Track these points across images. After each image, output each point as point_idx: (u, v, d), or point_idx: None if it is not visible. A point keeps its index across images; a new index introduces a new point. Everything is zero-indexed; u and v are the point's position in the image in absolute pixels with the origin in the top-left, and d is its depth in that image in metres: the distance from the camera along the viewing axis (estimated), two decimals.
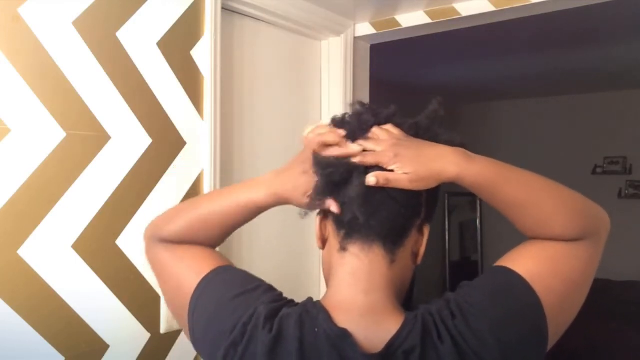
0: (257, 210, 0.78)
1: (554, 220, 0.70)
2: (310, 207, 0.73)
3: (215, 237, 0.81)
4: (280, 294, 0.72)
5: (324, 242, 0.74)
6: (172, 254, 0.79)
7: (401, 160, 0.66)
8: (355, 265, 0.69)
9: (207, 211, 0.79)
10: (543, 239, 0.71)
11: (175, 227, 0.80)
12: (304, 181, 0.72)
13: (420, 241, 0.72)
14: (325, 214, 0.73)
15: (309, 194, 0.71)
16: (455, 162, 0.68)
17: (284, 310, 0.66)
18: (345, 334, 0.63)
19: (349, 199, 0.68)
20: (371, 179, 0.66)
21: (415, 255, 0.73)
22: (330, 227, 0.73)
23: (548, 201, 0.72)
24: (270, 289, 0.72)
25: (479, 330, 0.62)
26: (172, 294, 0.79)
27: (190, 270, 0.76)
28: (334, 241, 0.72)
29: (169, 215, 0.84)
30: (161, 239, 0.81)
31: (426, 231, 0.72)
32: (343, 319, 0.65)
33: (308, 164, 0.72)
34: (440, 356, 0.61)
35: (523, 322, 0.64)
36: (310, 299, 0.69)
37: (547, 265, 0.68)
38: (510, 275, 0.67)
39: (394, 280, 0.70)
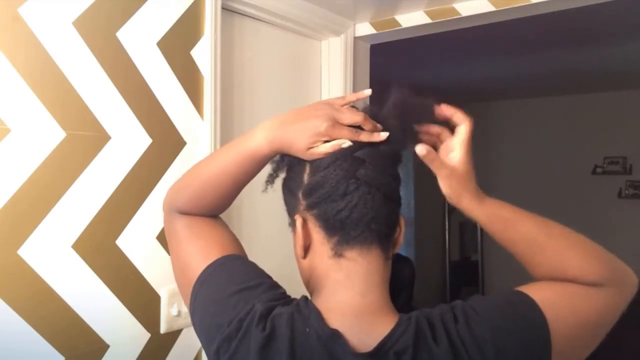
0: (259, 162, 0.75)
1: (570, 259, 0.71)
2: (311, 157, 0.70)
3: (227, 196, 0.79)
4: (283, 292, 0.70)
5: (307, 249, 0.72)
6: (189, 232, 0.79)
7: (455, 170, 0.71)
8: (352, 269, 0.68)
9: (214, 170, 0.77)
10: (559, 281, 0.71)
11: (188, 194, 0.79)
12: (310, 135, 0.69)
13: (399, 231, 0.73)
14: (304, 220, 0.71)
15: (311, 144, 0.69)
16: (477, 195, 0.73)
17: (277, 310, 0.65)
18: (336, 335, 0.63)
19: (350, 205, 0.67)
20: (422, 149, 0.68)
21: (394, 245, 0.73)
22: (315, 233, 0.70)
23: (562, 240, 0.73)
24: (273, 287, 0.71)
25: (481, 337, 0.62)
26: (179, 272, 0.79)
27: (200, 253, 0.75)
28: (322, 247, 0.70)
29: (182, 181, 0.83)
30: (179, 210, 0.81)
31: (402, 220, 0.74)
32: (337, 320, 0.65)
33: (321, 121, 0.69)
34: (434, 358, 0.61)
35: (525, 338, 0.64)
36: (303, 298, 0.69)
37: (562, 297, 0.68)
38: (523, 296, 0.68)
39: (386, 276, 0.71)
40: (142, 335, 1.27)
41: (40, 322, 1.08)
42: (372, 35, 1.97)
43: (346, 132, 0.69)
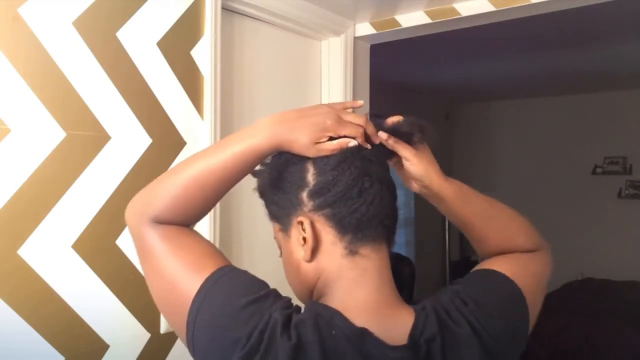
0: (255, 160, 0.71)
1: (516, 229, 0.83)
2: (317, 152, 0.70)
3: (212, 200, 0.74)
4: (290, 299, 0.68)
5: (315, 251, 0.69)
6: (170, 244, 0.70)
7: (421, 152, 0.77)
8: (367, 266, 0.69)
9: (203, 170, 0.71)
10: (507, 254, 0.82)
11: (168, 197, 0.71)
12: (316, 129, 0.69)
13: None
14: (312, 222, 0.69)
15: (317, 139, 0.69)
16: (442, 174, 0.79)
17: (295, 317, 0.63)
18: (364, 332, 0.63)
19: (366, 202, 0.68)
20: (384, 134, 0.73)
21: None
22: (325, 234, 0.69)
23: (506, 213, 0.84)
24: (279, 295, 0.68)
25: (490, 315, 0.68)
26: (164, 291, 0.70)
27: (191, 268, 0.68)
28: (333, 248, 0.69)
29: (160, 184, 0.73)
30: (153, 219, 0.71)
31: None
32: (358, 318, 0.65)
33: (322, 121, 0.70)
34: (459, 340, 0.65)
35: (517, 309, 0.73)
36: (314, 302, 0.68)
37: (520, 267, 0.78)
38: (498, 274, 0.76)
39: (391, 272, 0.72)
40: (142, 335, 1.27)
41: (40, 322, 1.08)
42: (372, 35, 1.97)
43: (350, 129, 0.70)
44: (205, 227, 1.39)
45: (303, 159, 0.71)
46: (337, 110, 0.72)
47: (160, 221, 0.71)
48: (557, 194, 4.48)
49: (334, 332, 0.63)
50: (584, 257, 4.32)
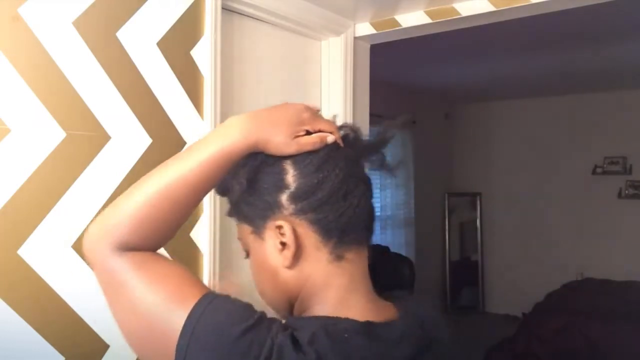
0: (231, 161, 0.66)
1: None
2: (297, 146, 0.66)
3: (184, 214, 0.67)
4: (281, 320, 0.64)
5: (296, 257, 0.64)
6: (143, 273, 0.63)
7: None
8: (354, 270, 0.67)
9: (174, 178, 0.64)
10: None
11: (135, 218, 0.63)
12: (293, 123, 0.66)
13: None
14: (293, 226, 0.65)
15: (295, 132, 0.66)
16: None
17: (304, 335, 0.60)
18: (371, 323, 0.62)
19: (352, 205, 0.65)
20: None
21: None
22: (307, 239, 0.65)
23: None
24: (269, 317, 0.63)
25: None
26: (145, 330, 0.62)
27: (172, 299, 0.61)
28: (318, 253, 0.65)
29: (118, 206, 0.65)
30: (119, 246, 0.63)
31: None
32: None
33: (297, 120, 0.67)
34: (439, 324, 0.71)
35: None
36: (306, 318, 0.66)
37: None
38: None
39: None
40: None
41: (40, 322, 1.08)
42: (372, 35, 1.97)
43: (325, 124, 0.68)
44: (205, 227, 1.39)
45: (279, 159, 0.66)
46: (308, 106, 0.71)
47: (127, 248, 0.64)
48: (557, 194, 4.48)
49: (346, 335, 0.61)
50: (584, 257, 4.32)
